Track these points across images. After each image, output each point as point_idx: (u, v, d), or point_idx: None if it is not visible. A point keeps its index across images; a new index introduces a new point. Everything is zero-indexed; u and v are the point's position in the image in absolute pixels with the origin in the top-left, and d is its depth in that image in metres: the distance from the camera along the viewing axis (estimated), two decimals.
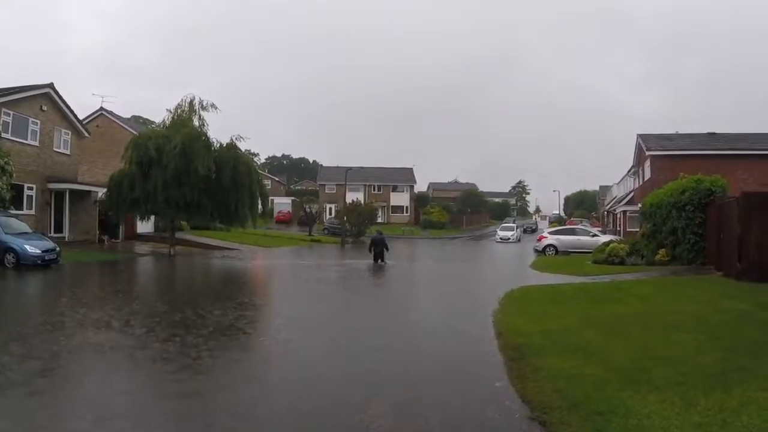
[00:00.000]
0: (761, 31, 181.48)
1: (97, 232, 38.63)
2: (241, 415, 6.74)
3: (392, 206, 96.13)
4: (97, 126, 46.77)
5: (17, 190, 30.38)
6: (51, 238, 27.19)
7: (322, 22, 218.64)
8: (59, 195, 35.11)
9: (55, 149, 35.28)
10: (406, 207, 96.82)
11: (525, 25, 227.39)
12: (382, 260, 30.15)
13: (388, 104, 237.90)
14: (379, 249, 30.51)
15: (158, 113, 73.53)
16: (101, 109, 48.96)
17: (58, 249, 24.61)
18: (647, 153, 42.38)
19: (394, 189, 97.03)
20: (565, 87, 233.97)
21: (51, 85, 34.26)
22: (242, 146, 35.04)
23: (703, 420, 6.07)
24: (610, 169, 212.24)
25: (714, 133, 43.80)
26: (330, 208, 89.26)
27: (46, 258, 23.59)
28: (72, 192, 35.78)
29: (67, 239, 33.99)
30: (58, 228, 34.74)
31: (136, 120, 60.18)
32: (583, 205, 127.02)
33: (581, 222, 71.30)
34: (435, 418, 6.70)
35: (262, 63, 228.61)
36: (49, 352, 9.62)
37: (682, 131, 46.43)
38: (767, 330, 10.60)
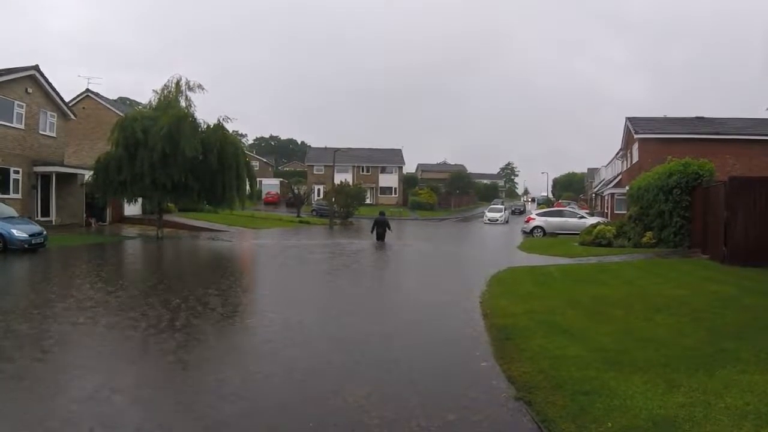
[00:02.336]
0: (744, 16, 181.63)
1: (84, 215, 38.47)
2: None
3: (381, 187, 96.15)
4: (83, 108, 46.45)
5: (3, 174, 30.24)
6: (38, 222, 27.06)
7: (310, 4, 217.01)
8: (45, 178, 34.91)
9: (41, 132, 35.02)
10: (395, 188, 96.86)
11: (515, 8, 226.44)
12: (383, 239, 31.97)
13: (379, 86, 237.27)
14: (381, 229, 32.36)
15: (145, 95, 73.24)
16: (87, 90, 48.55)
17: (45, 233, 24.40)
18: (635, 136, 42.46)
19: (383, 170, 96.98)
20: (555, 70, 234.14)
21: (36, 67, 33.92)
22: (230, 127, 34.81)
23: (686, 401, 6.14)
24: (598, 151, 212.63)
25: (702, 117, 43.93)
26: (318, 190, 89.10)
27: (33, 242, 23.38)
28: (58, 175, 35.59)
29: (54, 223, 33.86)
30: (45, 211, 34.59)
31: (123, 102, 59.77)
32: (571, 188, 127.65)
33: (569, 204, 71.59)
34: (421, 398, 6.75)
35: (249, 44, 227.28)
36: (39, 333, 9.62)
37: (669, 115, 46.59)
38: (751, 313, 10.68)
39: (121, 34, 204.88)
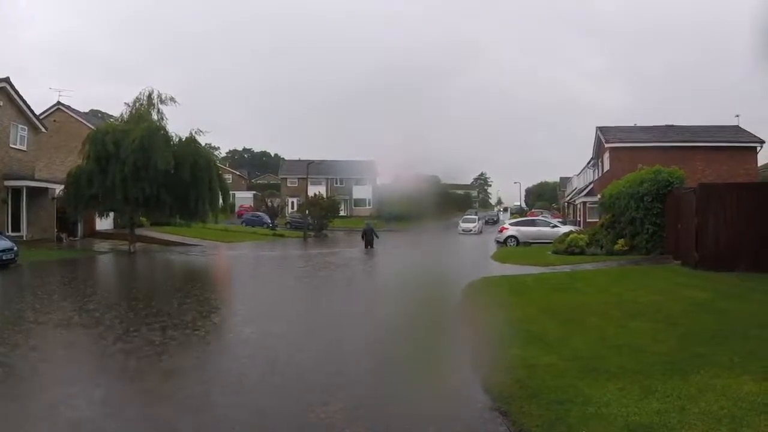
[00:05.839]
0: (718, 26, 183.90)
1: (56, 230, 38.02)
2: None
3: (355, 199, 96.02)
4: (55, 121, 45.79)
5: None
6: (8, 237, 26.65)
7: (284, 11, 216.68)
8: (16, 192, 34.35)
9: (11, 145, 34.47)
10: (369, 200, 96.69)
11: (485, 16, 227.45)
12: (372, 246, 36.02)
13: (350, 98, 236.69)
14: (369, 237, 36.54)
15: (117, 107, 72.41)
16: (58, 103, 47.87)
17: (15, 248, 23.98)
18: (606, 145, 42.84)
19: (357, 182, 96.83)
20: (525, 79, 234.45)
21: (7, 80, 33.41)
22: (202, 140, 34.75)
23: (661, 407, 6.15)
24: (570, 161, 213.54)
25: (672, 125, 44.43)
26: (292, 202, 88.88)
27: (4, 258, 22.95)
28: (29, 189, 35.05)
29: (25, 238, 33.30)
30: (16, 226, 34.02)
31: (94, 114, 59.05)
32: (543, 197, 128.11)
33: (542, 213, 71.87)
34: (398, 410, 6.73)
35: (223, 56, 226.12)
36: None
37: (640, 124, 47.11)
38: (724, 318, 10.77)
39: (92, 45, 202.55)
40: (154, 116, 32.87)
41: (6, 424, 6.33)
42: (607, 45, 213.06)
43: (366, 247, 36.21)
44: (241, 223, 66.67)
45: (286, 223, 68.42)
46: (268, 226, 61.63)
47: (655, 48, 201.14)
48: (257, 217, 67.96)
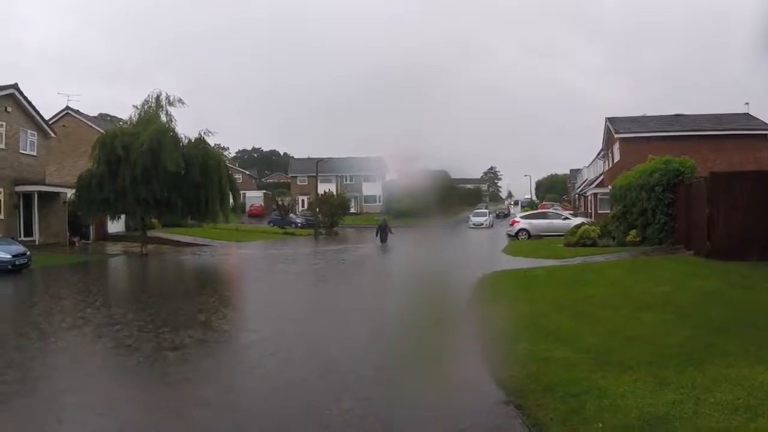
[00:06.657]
0: (716, 19, 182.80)
1: (67, 233, 38.16)
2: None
3: (365, 196, 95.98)
4: (64, 126, 45.92)
5: None
6: (21, 242, 26.77)
7: (285, 10, 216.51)
8: (27, 197, 34.53)
9: (21, 151, 34.62)
10: (379, 196, 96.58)
11: (488, 17, 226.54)
12: (386, 242, 38.03)
13: (359, 94, 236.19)
14: (383, 233, 38.67)
15: (124, 110, 72.48)
16: (67, 108, 48.03)
17: (28, 253, 24.10)
18: (616, 136, 42.67)
19: (366, 179, 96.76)
20: (533, 77, 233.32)
21: (15, 86, 33.53)
22: (211, 141, 34.80)
23: (676, 397, 6.15)
24: (579, 153, 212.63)
25: (681, 115, 44.18)
26: (302, 201, 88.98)
27: (17, 263, 23.05)
28: (40, 194, 35.21)
29: (37, 242, 33.45)
30: (28, 231, 34.19)
31: (103, 118, 59.20)
32: (554, 189, 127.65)
33: (553, 206, 71.65)
34: (410, 406, 6.74)
35: (230, 55, 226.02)
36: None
37: (649, 114, 46.87)
38: (736, 308, 10.73)
39: (94, 49, 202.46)
40: (163, 118, 32.92)
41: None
42: (609, 42, 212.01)
43: (381, 242, 37.91)
44: (269, 222, 67.27)
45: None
46: (296, 225, 61.96)
47: (659, 44, 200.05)
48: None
